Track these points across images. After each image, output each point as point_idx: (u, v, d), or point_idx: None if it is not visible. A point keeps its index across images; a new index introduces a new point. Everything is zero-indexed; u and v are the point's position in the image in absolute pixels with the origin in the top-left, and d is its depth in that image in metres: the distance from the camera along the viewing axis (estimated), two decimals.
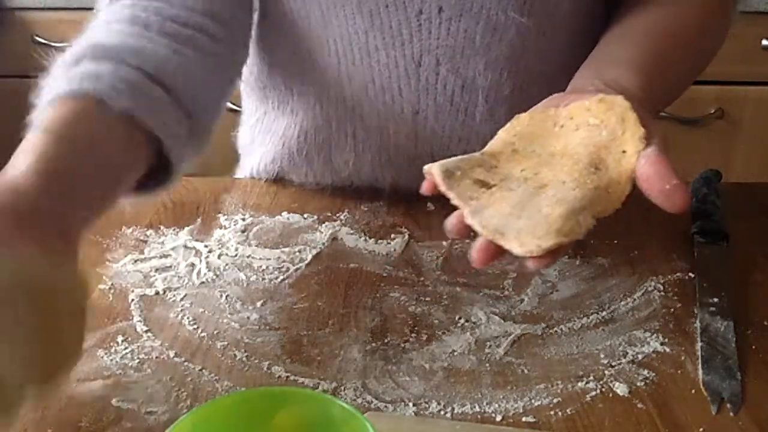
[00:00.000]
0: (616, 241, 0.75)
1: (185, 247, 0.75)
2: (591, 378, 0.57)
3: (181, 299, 0.67)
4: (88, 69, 0.61)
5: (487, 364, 0.59)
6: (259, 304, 0.66)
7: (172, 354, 0.60)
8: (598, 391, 0.56)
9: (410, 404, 0.55)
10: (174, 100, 0.65)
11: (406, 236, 0.76)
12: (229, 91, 0.76)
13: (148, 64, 0.63)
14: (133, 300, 0.67)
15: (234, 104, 1.46)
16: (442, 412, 0.54)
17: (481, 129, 0.80)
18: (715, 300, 0.65)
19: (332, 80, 0.82)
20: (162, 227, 0.79)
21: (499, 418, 0.54)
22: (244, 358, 0.60)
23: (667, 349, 0.60)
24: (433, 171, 0.56)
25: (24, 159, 0.54)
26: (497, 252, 0.52)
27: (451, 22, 0.76)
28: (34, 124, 0.60)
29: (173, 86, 0.65)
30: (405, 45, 0.77)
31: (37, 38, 1.89)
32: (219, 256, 0.73)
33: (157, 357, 0.60)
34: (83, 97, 0.59)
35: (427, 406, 0.55)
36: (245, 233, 0.77)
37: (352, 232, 0.77)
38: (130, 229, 0.78)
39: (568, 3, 0.77)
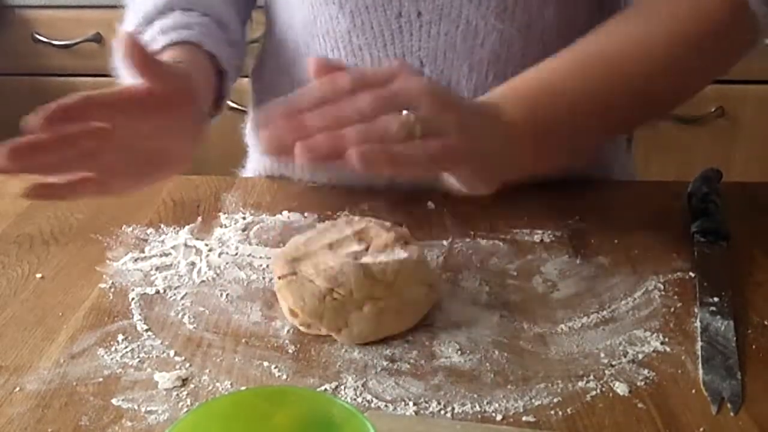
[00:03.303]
0: (616, 241, 0.75)
1: (185, 245, 0.75)
2: (591, 377, 0.57)
3: (182, 298, 0.67)
4: (165, 23, 0.78)
5: (488, 363, 0.59)
6: (259, 303, 0.66)
7: (172, 353, 0.60)
8: (599, 390, 0.56)
9: (410, 403, 0.55)
10: (229, 39, 0.82)
11: None
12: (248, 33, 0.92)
13: (211, 11, 0.81)
14: (133, 299, 0.67)
15: (236, 103, 1.46)
16: (443, 412, 0.54)
17: None
18: (716, 299, 0.65)
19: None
20: (162, 226, 0.79)
21: (499, 417, 0.54)
22: (244, 358, 0.60)
23: (668, 349, 0.60)
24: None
25: None
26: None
27: (431, 25, 0.77)
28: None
29: (229, 27, 0.82)
30: (387, 46, 0.78)
31: (38, 36, 1.89)
32: (219, 255, 0.73)
33: (157, 356, 0.60)
34: (185, 42, 0.76)
35: (427, 405, 0.55)
36: (246, 232, 0.77)
37: None
38: (131, 228, 0.78)
39: (551, 10, 0.77)
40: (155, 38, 0.77)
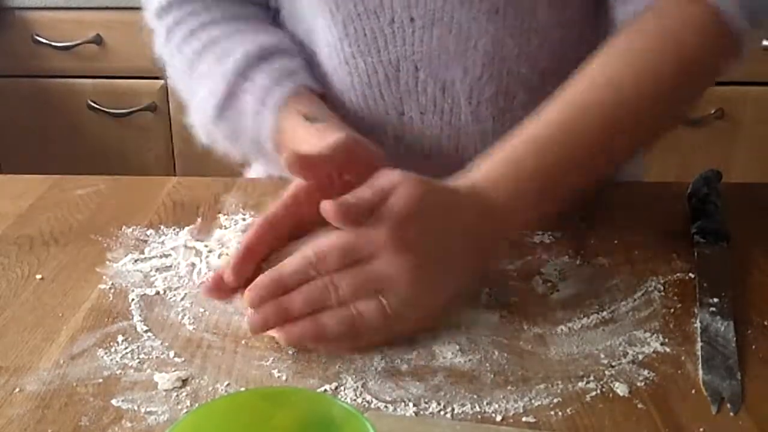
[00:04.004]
0: (616, 241, 0.75)
1: (185, 246, 0.75)
2: (591, 378, 0.57)
3: (182, 299, 0.67)
4: (282, 66, 0.78)
5: (487, 364, 0.59)
6: None
7: (172, 354, 0.60)
8: (599, 391, 0.56)
9: (410, 404, 0.55)
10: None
11: None
12: None
13: (291, 47, 0.81)
14: (133, 300, 0.67)
15: None
16: (442, 412, 0.54)
17: (467, 129, 0.80)
18: (716, 300, 0.65)
19: (321, 80, 0.83)
20: (162, 227, 0.79)
21: (499, 418, 0.54)
22: (244, 359, 0.60)
23: (668, 349, 0.60)
24: None
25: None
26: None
27: (424, 30, 0.77)
28: (275, 127, 0.76)
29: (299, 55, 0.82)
30: (381, 52, 0.78)
31: (38, 37, 1.90)
32: (219, 256, 0.73)
33: (157, 357, 0.60)
34: (300, 91, 0.77)
35: (427, 406, 0.55)
36: (246, 233, 0.77)
37: None
38: (131, 229, 0.78)
39: (544, 11, 0.77)
40: (269, 90, 0.76)
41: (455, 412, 0.54)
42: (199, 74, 0.81)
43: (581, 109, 0.67)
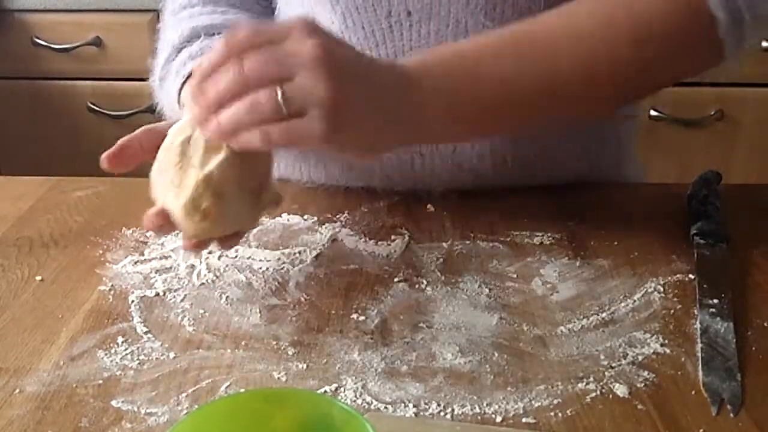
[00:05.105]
0: (616, 243, 0.75)
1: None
2: (591, 379, 0.57)
3: (181, 300, 0.67)
4: (192, 50, 0.80)
5: (487, 365, 0.59)
6: (258, 305, 0.66)
7: (172, 355, 0.60)
8: (598, 392, 0.56)
9: (410, 405, 0.55)
10: None
11: (406, 237, 0.76)
12: None
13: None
14: (133, 301, 0.67)
15: None
16: (442, 413, 0.54)
17: None
18: (715, 301, 0.65)
19: None
20: None
21: (499, 419, 0.54)
22: (244, 360, 0.60)
23: (667, 351, 0.60)
24: None
25: None
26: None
27: (421, 24, 0.77)
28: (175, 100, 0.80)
29: None
30: (379, 46, 0.78)
31: (37, 40, 1.89)
32: (219, 258, 0.73)
33: (157, 358, 0.60)
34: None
35: (427, 407, 0.55)
36: (245, 234, 0.77)
37: (352, 233, 0.77)
38: (130, 231, 0.78)
39: (542, 6, 0.76)
40: (185, 64, 0.79)
41: (455, 413, 0.54)
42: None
43: (526, 38, 0.67)
